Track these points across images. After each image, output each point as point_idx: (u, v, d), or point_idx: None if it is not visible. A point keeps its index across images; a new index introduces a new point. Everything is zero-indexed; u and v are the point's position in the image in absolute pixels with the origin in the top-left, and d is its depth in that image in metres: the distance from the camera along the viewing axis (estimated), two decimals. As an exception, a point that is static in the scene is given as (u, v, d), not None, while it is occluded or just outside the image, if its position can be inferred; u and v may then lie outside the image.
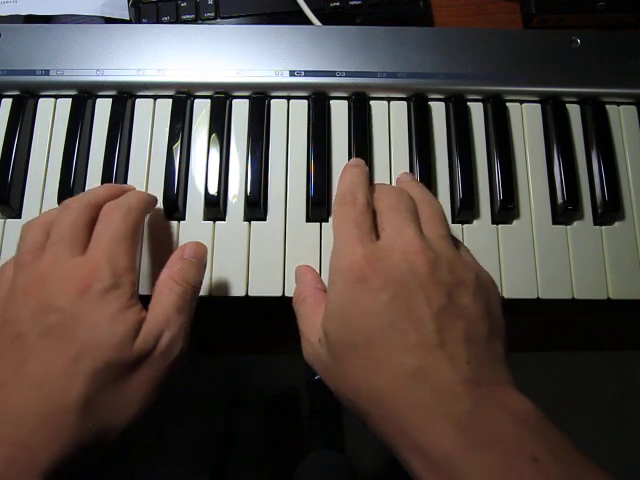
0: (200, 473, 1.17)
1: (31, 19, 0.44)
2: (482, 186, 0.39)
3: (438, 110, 0.40)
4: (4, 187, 0.36)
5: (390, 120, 0.40)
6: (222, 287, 0.36)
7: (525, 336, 0.41)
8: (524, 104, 0.41)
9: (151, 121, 0.39)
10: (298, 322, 0.32)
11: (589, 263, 0.37)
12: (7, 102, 0.39)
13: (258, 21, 0.44)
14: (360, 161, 0.36)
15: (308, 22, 0.43)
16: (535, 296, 0.36)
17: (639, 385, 1.29)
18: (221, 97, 0.39)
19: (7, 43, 0.39)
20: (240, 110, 0.39)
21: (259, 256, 0.36)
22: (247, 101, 0.40)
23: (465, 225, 0.38)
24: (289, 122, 0.39)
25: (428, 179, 0.38)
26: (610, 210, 0.38)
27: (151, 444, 1.15)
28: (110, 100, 0.39)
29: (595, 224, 0.38)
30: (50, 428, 0.25)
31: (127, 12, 0.45)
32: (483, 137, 0.40)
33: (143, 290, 0.35)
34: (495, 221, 0.38)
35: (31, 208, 0.37)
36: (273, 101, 0.40)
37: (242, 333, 0.41)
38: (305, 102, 0.40)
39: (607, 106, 0.40)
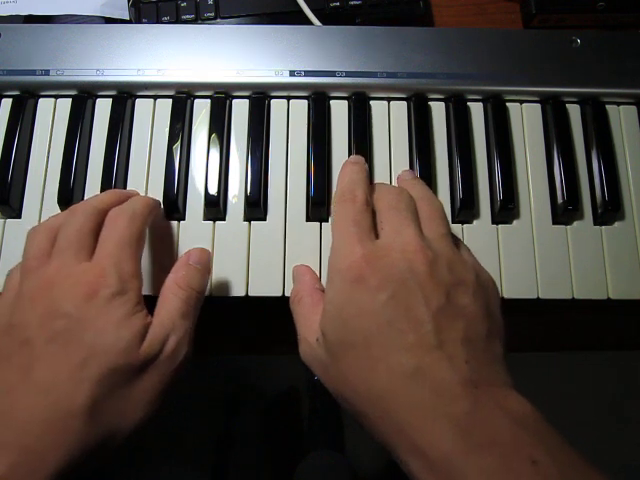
0: (200, 473, 1.17)
1: (31, 19, 0.44)
2: (482, 186, 0.39)
3: (438, 110, 0.40)
4: (4, 187, 0.36)
5: (390, 120, 0.40)
6: (222, 287, 0.35)
7: (525, 336, 0.41)
8: (524, 104, 0.41)
9: (151, 121, 0.39)
10: (295, 322, 0.32)
11: (589, 263, 0.37)
12: (7, 102, 0.39)
13: (258, 21, 0.44)
14: (360, 158, 0.35)
15: (308, 22, 0.43)
16: (535, 296, 0.36)
17: (639, 385, 1.29)
18: (221, 97, 0.39)
19: (7, 43, 0.39)
20: (240, 110, 0.39)
21: (259, 256, 0.36)
22: (247, 101, 0.40)
23: (465, 225, 0.38)
24: (289, 122, 0.39)
25: (428, 179, 0.38)
26: (610, 210, 0.38)
27: (151, 444, 1.15)
28: (110, 100, 0.39)
29: (595, 224, 0.38)
30: (57, 433, 0.25)
31: (127, 12, 0.45)
32: (483, 137, 0.40)
33: (143, 290, 0.35)
34: (495, 221, 0.38)
35: (31, 208, 0.37)
36: (273, 101, 0.40)
37: (242, 333, 0.41)
38: (305, 102, 0.40)
39: (607, 106, 0.40)
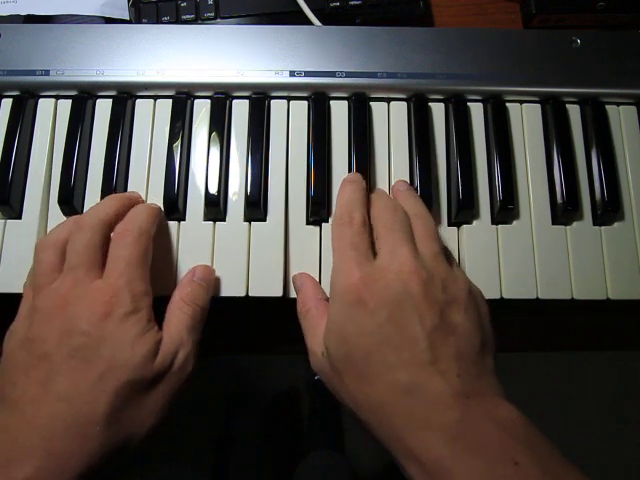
0: (200, 473, 1.17)
1: (31, 19, 0.44)
2: (482, 186, 0.39)
3: (438, 110, 0.40)
4: (4, 187, 0.36)
5: (390, 120, 0.40)
6: (222, 287, 0.36)
7: (525, 336, 0.41)
8: (524, 104, 0.41)
9: (151, 121, 0.39)
10: (304, 335, 0.33)
11: (588, 263, 0.37)
12: (7, 102, 0.39)
13: (258, 21, 0.44)
14: (357, 176, 0.37)
15: (308, 22, 0.43)
16: (535, 296, 0.36)
17: (639, 385, 1.29)
18: (221, 97, 0.39)
19: (7, 43, 0.39)
20: (240, 110, 0.39)
21: (259, 256, 0.36)
22: (247, 101, 0.40)
23: (465, 225, 0.38)
24: (289, 122, 0.39)
25: (428, 179, 0.38)
26: (610, 211, 0.38)
27: (151, 444, 1.15)
28: (110, 100, 0.39)
29: (595, 224, 0.38)
30: (79, 439, 0.27)
31: (127, 12, 0.45)
32: (483, 137, 0.40)
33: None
34: (495, 221, 0.38)
35: (32, 208, 0.37)
36: (273, 101, 0.40)
37: (242, 333, 0.41)
38: (305, 102, 0.40)
39: (607, 106, 0.40)
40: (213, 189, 0.37)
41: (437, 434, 0.26)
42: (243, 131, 0.39)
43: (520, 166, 0.39)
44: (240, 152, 0.39)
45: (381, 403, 0.28)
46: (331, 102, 0.40)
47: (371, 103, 0.40)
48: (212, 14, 0.44)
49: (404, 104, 0.40)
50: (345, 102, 0.40)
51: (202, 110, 0.39)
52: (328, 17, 0.44)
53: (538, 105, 0.41)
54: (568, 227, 0.38)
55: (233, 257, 0.36)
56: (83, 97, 0.39)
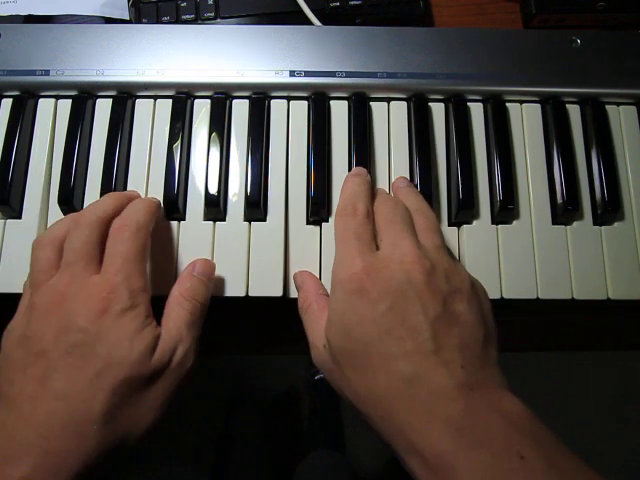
0: (200, 473, 1.17)
1: (31, 19, 0.44)
2: (482, 186, 0.39)
3: (438, 110, 0.40)
4: (4, 187, 0.36)
5: (390, 120, 0.40)
6: (222, 287, 0.36)
7: (525, 336, 0.41)
8: (524, 104, 0.41)
9: (151, 121, 0.39)
10: (305, 329, 0.33)
11: (589, 263, 0.37)
12: (7, 102, 0.39)
13: (258, 21, 0.44)
14: (362, 170, 0.36)
15: (308, 22, 0.43)
16: (535, 296, 0.36)
17: (639, 385, 1.29)
18: (221, 97, 0.39)
19: (7, 43, 0.39)
20: (240, 110, 0.39)
21: (259, 256, 0.36)
22: (247, 101, 0.40)
23: (465, 225, 0.38)
24: (289, 122, 0.39)
25: (428, 179, 0.38)
26: (610, 210, 0.38)
27: (151, 444, 1.15)
28: (110, 100, 0.39)
29: (595, 224, 0.38)
30: (76, 437, 0.27)
31: (127, 12, 0.45)
32: (483, 137, 0.40)
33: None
34: (495, 221, 0.38)
35: (31, 208, 0.37)
36: (273, 101, 0.40)
37: (242, 333, 0.41)
38: (305, 102, 0.40)
39: (607, 106, 0.40)
40: (213, 189, 0.37)
41: (440, 427, 0.25)
42: (243, 131, 0.39)
43: (520, 166, 0.39)
44: (240, 152, 0.39)
45: (382, 395, 0.27)
46: (331, 102, 0.40)
47: (371, 103, 0.40)
48: (212, 14, 0.44)
49: (404, 104, 0.40)
50: (345, 102, 0.40)
51: (202, 110, 0.39)
52: (328, 17, 0.44)
53: (538, 105, 0.41)
54: (568, 227, 0.38)
55: (233, 257, 0.36)
56: (83, 97, 0.39)
